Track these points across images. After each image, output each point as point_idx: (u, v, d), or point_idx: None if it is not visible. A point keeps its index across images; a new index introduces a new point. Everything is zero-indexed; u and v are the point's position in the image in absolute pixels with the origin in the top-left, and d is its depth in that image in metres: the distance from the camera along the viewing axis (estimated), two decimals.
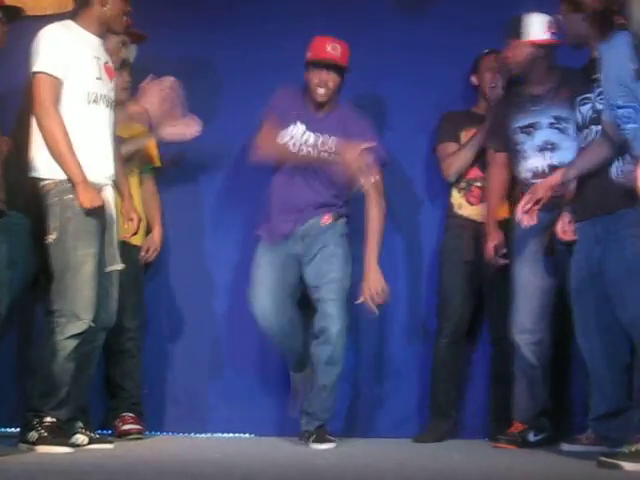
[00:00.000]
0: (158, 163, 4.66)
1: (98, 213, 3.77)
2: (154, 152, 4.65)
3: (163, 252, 4.71)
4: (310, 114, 4.32)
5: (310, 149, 4.27)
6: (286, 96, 4.36)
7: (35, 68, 3.75)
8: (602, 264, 3.68)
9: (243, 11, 4.78)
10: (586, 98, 3.76)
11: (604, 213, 3.61)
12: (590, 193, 3.72)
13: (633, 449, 3.27)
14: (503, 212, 4.40)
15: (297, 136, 4.28)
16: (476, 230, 4.47)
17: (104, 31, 3.91)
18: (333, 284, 4.17)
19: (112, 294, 3.93)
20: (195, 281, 4.78)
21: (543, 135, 4.19)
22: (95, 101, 3.83)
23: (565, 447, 4.00)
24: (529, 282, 4.18)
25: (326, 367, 4.14)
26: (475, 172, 4.52)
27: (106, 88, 3.88)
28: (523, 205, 3.80)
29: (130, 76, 4.46)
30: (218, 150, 4.77)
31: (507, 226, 4.31)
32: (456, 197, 4.55)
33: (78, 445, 3.82)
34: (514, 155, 4.28)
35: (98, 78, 3.84)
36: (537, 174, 4.19)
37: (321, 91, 4.28)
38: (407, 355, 4.67)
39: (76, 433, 3.88)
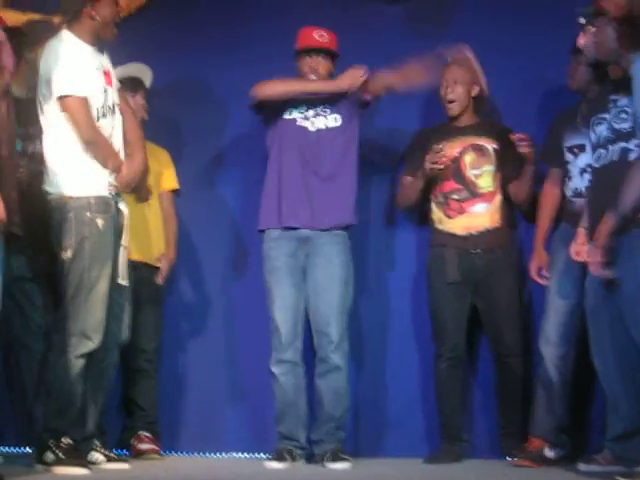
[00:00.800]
0: (176, 185, 4.70)
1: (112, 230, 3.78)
2: (172, 173, 4.69)
3: (181, 272, 4.76)
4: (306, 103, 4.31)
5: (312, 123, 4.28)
6: None
7: (62, 92, 3.77)
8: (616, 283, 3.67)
9: (243, 32, 4.81)
10: (602, 118, 3.74)
11: (618, 233, 3.57)
12: (604, 212, 3.70)
13: None
14: None
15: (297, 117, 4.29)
16: (458, 246, 4.40)
17: (97, 41, 3.90)
18: (334, 308, 4.17)
19: (125, 310, 3.95)
20: (213, 301, 4.80)
21: (586, 158, 4.13)
22: (104, 115, 3.85)
23: (582, 467, 3.96)
24: (559, 295, 4.19)
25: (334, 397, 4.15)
26: (451, 185, 4.43)
27: (110, 97, 3.90)
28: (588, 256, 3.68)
29: (145, 99, 4.49)
30: (226, 167, 4.85)
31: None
32: (435, 212, 4.48)
33: (95, 463, 3.85)
34: (563, 173, 4.29)
35: (104, 91, 3.87)
36: (576, 194, 4.21)
37: (312, 77, 4.30)
38: (418, 374, 4.64)
39: (93, 451, 3.90)
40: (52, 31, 4.02)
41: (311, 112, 4.31)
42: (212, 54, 4.79)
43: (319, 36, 4.33)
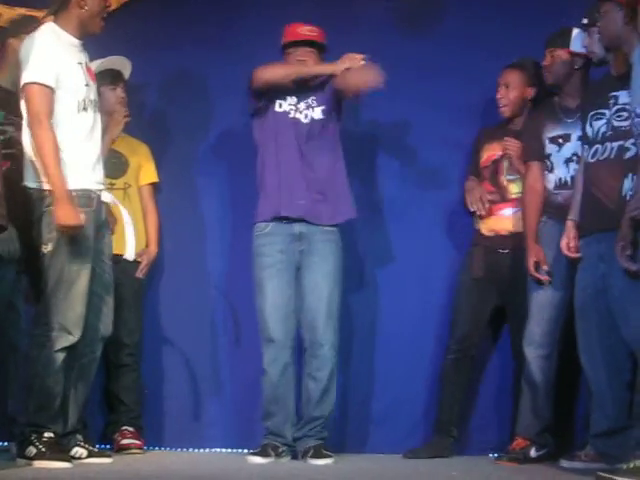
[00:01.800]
0: (155, 178, 4.68)
1: (76, 231, 3.72)
2: (151, 167, 4.67)
3: (162, 265, 4.73)
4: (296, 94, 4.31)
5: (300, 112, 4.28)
6: None
7: (27, 79, 3.71)
8: (606, 281, 3.67)
9: (233, 27, 4.79)
10: (601, 114, 3.76)
11: (609, 230, 3.56)
12: (596, 209, 3.71)
13: (631, 465, 3.25)
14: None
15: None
16: (488, 246, 4.45)
17: (83, 33, 3.87)
18: (326, 307, 4.18)
19: (108, 303, 3.91)
20: (195, 295, 4.78)
21: (572, 147, 4.17)
22: (85, 108, 3.81)
23: (564, 464, 3.97)
24: (541, 294, 4.18)
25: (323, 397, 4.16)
26: (486, 186, 4.50)
27: (92, 93, 3.87)
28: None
29: (125, 92, 4.46)
30: (215, 162, 4.83)
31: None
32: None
33: (77, 458, 3.83)
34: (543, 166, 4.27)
35: (86, 85, 3.83)
36: (559, 185, 4.21)
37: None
38: (412, 370, 4.63)
39: (75, 446, 3.88)
40: (37, 25, 4.01)
41: (302, 104, 4.30)
42: (200, 48, 4.76)
43: (307, 30, 4.33)
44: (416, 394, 4.58)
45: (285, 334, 4.17)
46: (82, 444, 3.92)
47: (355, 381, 4.66)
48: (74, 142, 3.78)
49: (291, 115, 4.28)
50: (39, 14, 4.18)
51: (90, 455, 3.89)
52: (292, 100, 4.30)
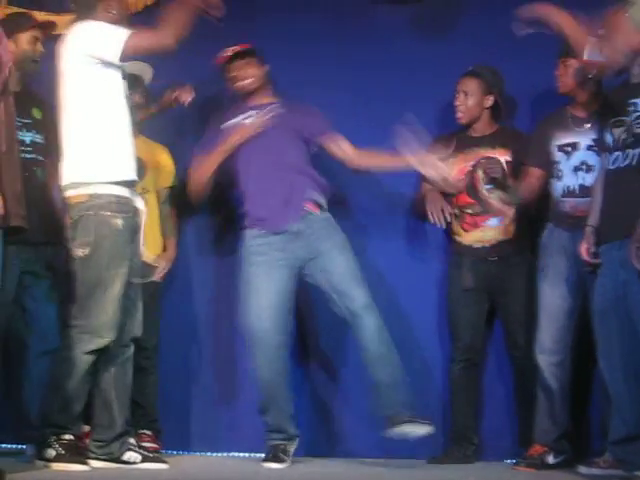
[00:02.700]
0: (174, 183, 4.69)
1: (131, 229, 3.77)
2: (171, 171, 4.68)
3: (181, 268, 4.73)
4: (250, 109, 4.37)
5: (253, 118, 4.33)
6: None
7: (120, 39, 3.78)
8: (627, 287, 3.66)
9: (249, 32, 4.73)
10: (620, 121, 3.75)
11: (631, 236, 3.55)
12: (617, 216, 3.71)
13: None
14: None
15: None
16: (476, 256, 4.45)
17: None
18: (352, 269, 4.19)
19: (137, 305, 3.92)
20: (212, 299, 4.79)
21: (581, 156, 4.19)
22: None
23: (583, 470, 3.97)
24: (552, 303, 4.18)
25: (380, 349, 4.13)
26: (465, 199, 4.47)
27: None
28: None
29: (145, 97, 4.47)
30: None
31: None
32: (454, 224, 4.52)
33: (131, 463, 3.83)
34: (549, 174, 4.28)
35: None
36: (567, 193, 4.21)
37: (241, 83, 4.36)
38: (426, 374, 4.63)
39: (128, 450, 3.87)
40: (30, 23, 4.06)
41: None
42: (217, 51, 4.77)
43: (230, 49, 4.41)
44: (429, 398, 4.56)
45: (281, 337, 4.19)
46: (135, 448, 3.91)
47: (367, 385, 4.61)
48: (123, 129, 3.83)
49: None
50: (59, 18, 4.21)
51: (144, 460, 3.87)
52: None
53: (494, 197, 4.31)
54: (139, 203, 3.91)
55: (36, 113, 4.22)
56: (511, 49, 4.50)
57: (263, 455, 4.26)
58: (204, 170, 4.33)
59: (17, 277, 4.03)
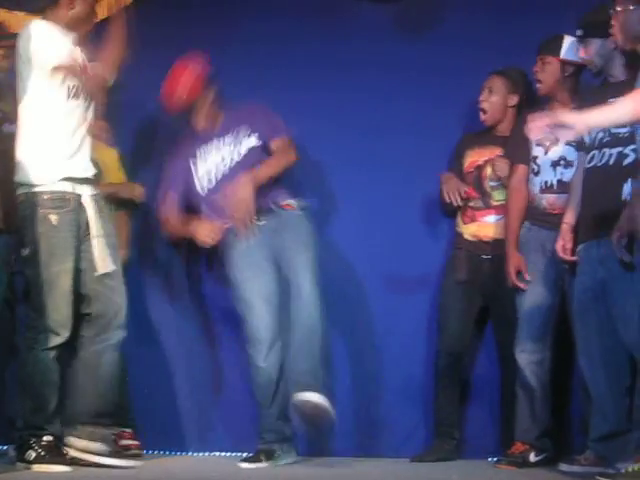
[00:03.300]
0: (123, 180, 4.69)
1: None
2: (119, 172, 4.66)
3: (160, 267, 4.73)
4: (208, 136, 4.34)
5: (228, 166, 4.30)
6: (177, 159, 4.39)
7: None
8: (606, 285, 3.68)
9: (233, 34, 4.77)
10: None
11: (609, 235, 3.57)
12: (595, 214, 3.72)
13: (630, 469, 3.27)
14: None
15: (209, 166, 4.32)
16: (471, 250, 4.46)
17: (69, 31, 3.87)
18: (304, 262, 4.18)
19: (116, 289, 3.89)
20: (195, 299, 4.77)
21: (560, 151, 4.18)
22: (76, 96, 3.84)
23: (564, 467, 3.96)
24: (531, 301, 4.18)
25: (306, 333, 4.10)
26: (470, 192, 4.48)
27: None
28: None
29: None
30: None
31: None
32: (458, 215, 4.56)
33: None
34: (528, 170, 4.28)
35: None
36: (545, 189, 4.21)
37: (202, 123, 4.34)
38: (409, 373, 4.62)
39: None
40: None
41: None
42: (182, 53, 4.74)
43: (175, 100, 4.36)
44: (412, 397, 4.57)
45: (272, 336, 4.19)
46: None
47: (350, 385, 4.63)
48: (61, 131, 3.81)
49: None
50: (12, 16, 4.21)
51: (114, 455, 3.86)
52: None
53: (495, 195, 4.40)
54: (85, 198, 3.86)
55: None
56: (497, 48, 4.54)
57: (246, 455, 4.26)
58: (174, 230, 4.38)
59: (4, 281, 4.01)
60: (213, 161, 4.34)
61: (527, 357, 4.17)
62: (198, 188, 4.33)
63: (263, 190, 4.23)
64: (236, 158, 4.31)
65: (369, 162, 4.72)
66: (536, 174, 4.25)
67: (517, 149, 4.30)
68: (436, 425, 4.47)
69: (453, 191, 4.47)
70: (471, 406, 4.61)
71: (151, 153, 4.78)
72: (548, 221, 4.17)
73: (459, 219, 4.54)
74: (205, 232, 4.27)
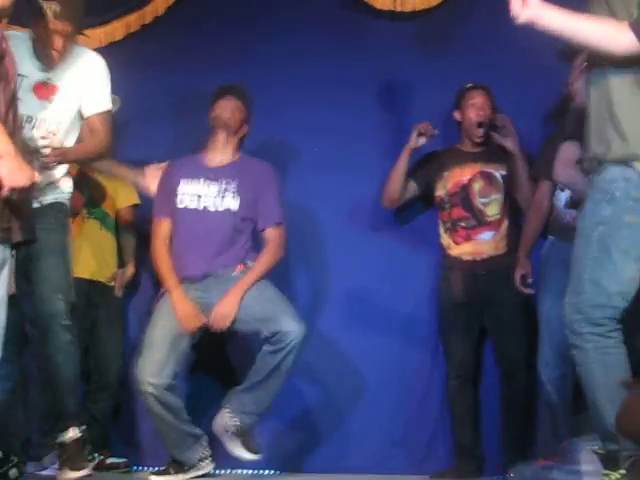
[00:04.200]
0: (135, 200, 4.69)
1: None
2: (129, 189, 4.65)
3: (145, 283, 4.72)
4: (206, 168, 4.25)
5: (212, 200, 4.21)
6: (170, 169, 4.32)
7: (109, 107, 3.93)
8: None
9: (241, 54, 4.79)
10: None
11: None
12: None
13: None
14: None
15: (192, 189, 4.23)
16: (465, 270, 4.44)
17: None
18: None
19: (37, 281, 3.68)
20: None
21: None
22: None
23: None
24: (554, 317, 4.11)
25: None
26: (459, 212, 4.47)
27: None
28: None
29: None
30: None
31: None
32: (444, 238, 4.53)
33: None
34: (554, 185, 4.26)
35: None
36: (569, 203, 4.20)
37: (222, 113, 4.23)
38: (429, 390, 4.61)
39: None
40: None
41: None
42: (199, 72, 4.77)
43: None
44: (431, 414, 4.56)
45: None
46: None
47: (384, 399, 4.63)
48: None
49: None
50: None
51: None
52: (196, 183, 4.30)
53: (488, 211, 4.41)
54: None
55: None
56: (508, 65, 4.55)
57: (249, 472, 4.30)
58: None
59: None
60: (198, 188, 4.23)
61: (550, 372, 4.14)
62: (178, 201, 4.22)
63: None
64: (213, 206, 4.20)
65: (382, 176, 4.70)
66: (562, 189, 4.22)
67: (544, 164, 4.23)
68: (456, 447, 4.44)
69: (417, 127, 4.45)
70: (488, 423, 4.55)
71: None
72: (572, 236, 4.12)
73: (448, 241, 4.50)
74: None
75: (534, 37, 4.39)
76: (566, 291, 3.98)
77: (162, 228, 4.22)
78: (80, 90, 3.88)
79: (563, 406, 4.13)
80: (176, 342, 4.05)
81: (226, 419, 4.03)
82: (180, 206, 4.20)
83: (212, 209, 4.17)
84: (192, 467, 4.08)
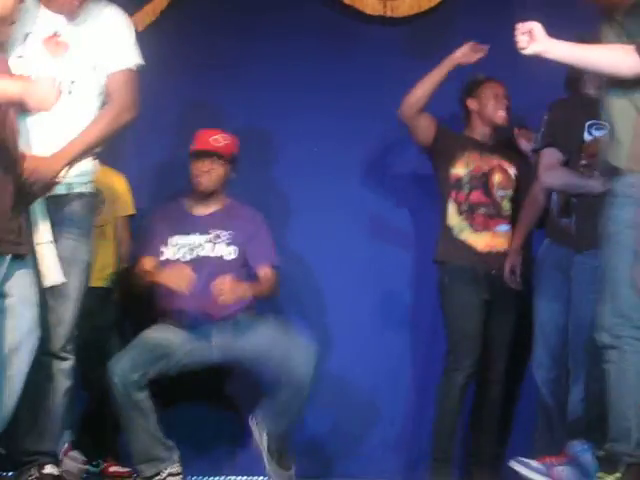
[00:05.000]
0: (131, 211, 4.68)
1: None
2: (127, 199, 4.67)
3: None
4: (195, 218, 4.27)
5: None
6: (159, 216, 4.34)
7: (138, 60, 3.60)
8: None
9: (239, 58, 4.78)
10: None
11: None
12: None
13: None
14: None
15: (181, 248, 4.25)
16: (481, 262, 4.32)
17: None
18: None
19: (57, 311, 3.51)
20: None
21: None
22: None
23: None
24: (549, 319, 4.16)
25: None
26: (479, 197, 4.37)
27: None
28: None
29: None
30: None
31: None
32: (455, 218, 4.36)
33: None
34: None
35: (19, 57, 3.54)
36: (559, 212, 4.19)
37: (201, 180, 4.23)
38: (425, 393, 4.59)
39: None
40: None
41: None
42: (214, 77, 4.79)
43: (214, 140, 4.26)
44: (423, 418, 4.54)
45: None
46: None
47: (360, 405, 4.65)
48: None
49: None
50: None
51: None
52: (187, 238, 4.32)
53: (505, 205, 4.37)
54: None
55: None
56: (499, 70, 4.54)
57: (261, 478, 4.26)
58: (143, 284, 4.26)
59: None
60: (189, 239, 4.26)
61: (545, 375, 4.15)
62: (165, 251, 4.25)
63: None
64: (206, 254, 4.24)
65: (378, 181, 4.75)
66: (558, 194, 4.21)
67: (549, 129, 4.15)
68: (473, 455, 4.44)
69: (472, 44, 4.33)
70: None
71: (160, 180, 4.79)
72: (567, 241, 4.09)
73: (462, 224, 4.35)
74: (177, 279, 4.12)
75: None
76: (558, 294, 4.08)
77: (149, 262, 4.23)
78: (96, 45, 3.55)
79: (558, 408, 4.14)
80: (160, 348, 4.09)
81: (255, 432, 4.05)
82: (172, 258, 4.21)
83: (207, 255, 4.21)
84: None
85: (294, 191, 4.70)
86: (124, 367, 3.98)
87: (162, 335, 4.14)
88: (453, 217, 4.36)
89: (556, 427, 4.15)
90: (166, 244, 4.24)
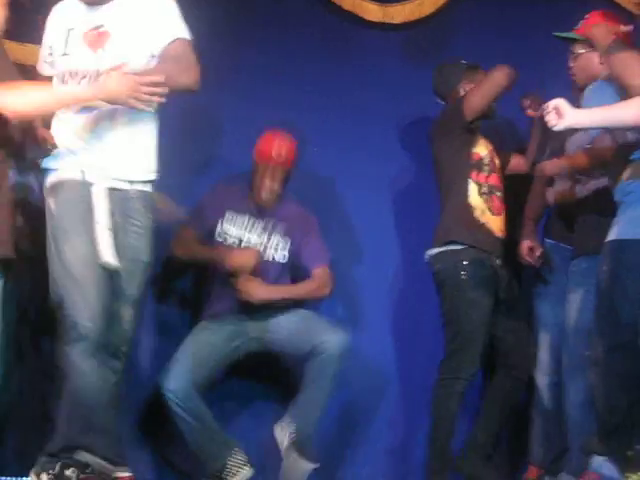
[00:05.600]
0: None
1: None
2: None
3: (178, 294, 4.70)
4: (253, 207, 4.32)
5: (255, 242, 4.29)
6: (219, 193, 4.37)
7: (186, 35, 3.46)
8: None
9: (238, 64, 4.76)
10: None
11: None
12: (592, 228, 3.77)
13: None
14: None
15: (235, 231, 4.30)
16: (501, 253, 4.17)
17: None
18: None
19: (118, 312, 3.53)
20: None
21: None
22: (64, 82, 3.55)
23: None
24: (552, 322, 4.14)
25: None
26: (495, 180, 4.22)
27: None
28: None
29: None
30: None
31: None
32: (477, 199, 4.15)
33: None
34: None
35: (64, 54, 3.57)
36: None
37: (265, 195, 4.30)
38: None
39: None
40: None
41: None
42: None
43: (277, 155, 4.29)
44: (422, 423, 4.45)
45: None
46: None
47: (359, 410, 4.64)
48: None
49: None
50: None
51: None
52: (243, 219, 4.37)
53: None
54: (95, 187, 3.48)
55: None
56: None
57: None
58: (186, 253, 4.31)
59: None
60: (240, 232, 4.31)
61: (547, 378, 4.15)
62: (219, 239, 4.30)
63: None
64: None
65: (376, 185, 4.75)
66: (551, 185, 4.18)
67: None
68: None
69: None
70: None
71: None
72: (570, 240, 4.06)
73: (482, 205, 4.14)
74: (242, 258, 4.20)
75: (524, 49, 4.54)
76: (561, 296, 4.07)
77: (189, 233, 4.27)
78: (141, 25, 3.45)
79: (557, 413, 4.11)
80: (205, 355, 4.14)
81: (278, 432, 4.10)
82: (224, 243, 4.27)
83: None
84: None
85: (294, 191, 4.69)
86: (177, 386, 4.04)
87: (205, 339, 4.18)
88: (475, 197, 4.14)
89: (553, 433, 4.15)
90: (219, 223, 4.28)
